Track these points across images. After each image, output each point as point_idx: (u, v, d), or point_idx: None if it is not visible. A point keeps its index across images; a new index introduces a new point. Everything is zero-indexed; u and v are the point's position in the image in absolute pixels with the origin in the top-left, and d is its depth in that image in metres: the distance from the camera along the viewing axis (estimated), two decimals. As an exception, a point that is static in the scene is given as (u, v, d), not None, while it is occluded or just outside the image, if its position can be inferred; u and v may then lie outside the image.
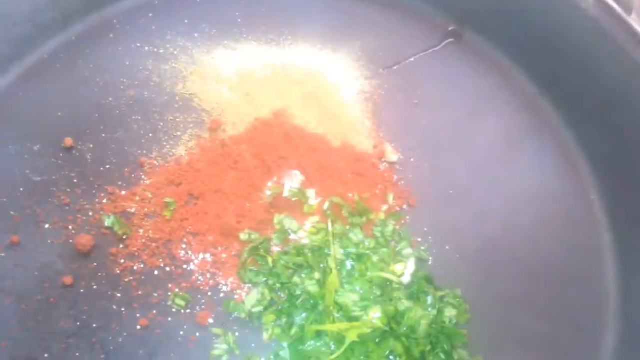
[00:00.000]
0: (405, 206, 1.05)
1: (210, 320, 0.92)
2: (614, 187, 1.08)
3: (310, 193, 1.00)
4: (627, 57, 1.06)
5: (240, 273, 0.94)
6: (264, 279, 0.92)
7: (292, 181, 1.01)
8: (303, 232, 0.97)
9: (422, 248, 1.00)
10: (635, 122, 1.05)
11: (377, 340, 0.83)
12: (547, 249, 1.04)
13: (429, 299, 0.88)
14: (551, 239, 1.05)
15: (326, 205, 1.00)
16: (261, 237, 0.97)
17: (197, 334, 0.91)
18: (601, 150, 1.11)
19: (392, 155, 1.09)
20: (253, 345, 0.91)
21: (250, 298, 0.90)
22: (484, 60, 1.25)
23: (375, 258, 0.91)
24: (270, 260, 0.94)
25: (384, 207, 1.02)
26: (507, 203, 1.07)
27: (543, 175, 1.11)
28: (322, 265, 0.90)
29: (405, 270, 0.92)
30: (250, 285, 0.94)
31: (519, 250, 1.03)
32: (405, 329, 0.83)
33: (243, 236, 0.97)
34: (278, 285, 0.91)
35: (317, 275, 0.88)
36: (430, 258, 1.00)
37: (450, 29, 1.28)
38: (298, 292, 0.88)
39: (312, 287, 0.87)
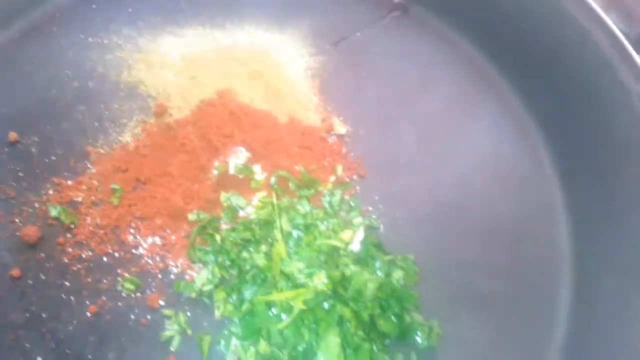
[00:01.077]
0: (355, 177, 1.05)
1: (161, 302, 0.92)
2: (563, 147, 1.09)
3: (256, 168, 1.00)
4: (567, 17, 1.06)
5: (189, 253, 0.93)
6: (213, 258, 0.91)
7: (238, 158, 1.01)
8: (251, 208, 0.96)
9: (373, 217, 1.00)
10: (578, 83, 1.05)
11: (325, 307, 0.82)
12: (500, 212, 1.04)
13: (377, 263, 0.88)
14: (504, 201, 1.05)
15: (273, 179, 0.99)
16: (209, 216, 0.96)
17: (148, 317, 0.90)
18: (549, 113, 1.12)
19: (341, 128, 1.09)
20: (205, 324, 0.90)
21: (201, 277, 0.90)
22: (430, 31, 1.25)
23: (322, 227, 0.91)
24: (218, 237, 0.93)
25: (332, 179, 1.02)
26: (458, 169, 1.07)
27: (493, 141, 1.12)
28: (269, 239, 0.89)
29: (353, 238, 0.92)
30: (200, 264, 0.93)
31: (471, 214, 1.03)
32: (352, 293, 0.83)
33: (191, 217, 0.96)
34: (228, 262, 0.91)
35: (264, 248, 0.87)
36: (381, 226, 1.00)
37: (395, 1, 1.28)
38: (247, 267, 0.87)
39: (260, 260, 0.87)
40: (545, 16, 1.09)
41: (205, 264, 0.92)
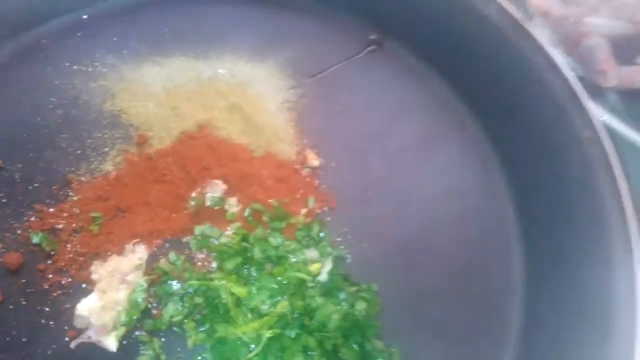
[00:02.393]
0: (325, 208, 1.10)
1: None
2: (522, 185, 1.15)
3: (232, 201, 1.05)
4: (526, 60, 1.14)
5: (157, 289, 0.98)
6: (180, 291, 0.96)
7: (214, 190, 1.06)
8: (225, 239, 1.02)
9: (341, 247, 1.06)
10: (537, 125, 1.12)
11: (292, 337, 0.88)
12: (460, 244, 1.10)
13: (342, 295, 0.94)
14: (464, 234, 1.11)
15: (247, 212, 1.05)
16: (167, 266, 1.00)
17: (124, 342, 0.95)
18: (511, 152, 1.18)
19: (314, 161, 1.14)
20: (179, 349, 0.95)
21: (168, 310, 0.94)
22: (403, 66, 1.32)
23: (293, 259, 0.97)
24: (187, 272, 0.98)
25: (304, 211, 1.07)
26: (423, 202, 1.13)
27: (457, 176, 1.18)
28: (239, 270, 0.95)
29: (321, 269, 0.98)
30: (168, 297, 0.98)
31: (433, 245, 1.10)
32: (317, 324, 0.88)
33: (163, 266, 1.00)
34: (195, 294, 0.95)
35: (231, 281, 0.92)
36: (349, 256, 1.06)
37: (371, 37, 1.35)
38: (215, 299, 0.92)
39: (225, 295, 0.91)
40: (509, 61, 1.17)
41: (172, 296, 0.97)
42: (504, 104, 1.20)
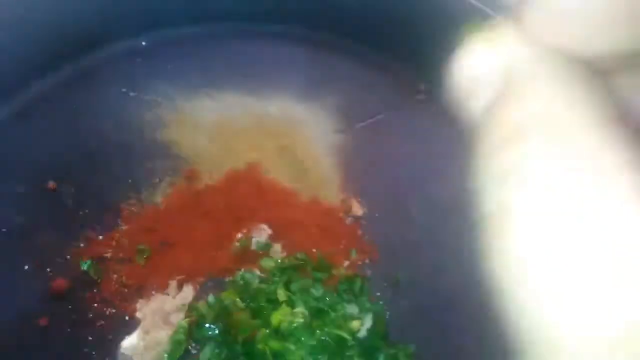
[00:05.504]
0: (367, 260, 1.11)
1: (176, 366, 0.98)
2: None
3: (277, 247, 1.07)
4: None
5: (194, 332, 0.99)
6: (219, 336, 0.97)
7: (260, 235, 1.07)
8: (265, 285, 1.03)
9: (381, 302, 1.06)
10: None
11: (328, 396, 0.89)
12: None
13: (381, 357, 0.95)
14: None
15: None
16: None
17: (162, 382, 0.97)
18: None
19: (358, 210, 1.15)
20: (215, 392, 0.96)
21: (205, 353, 0.96)
22: (450, 116, 1.32)
23: (333, 314, 0.97)
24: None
25: (346, 263, 1.08)
26: (461, 260, 1.13)
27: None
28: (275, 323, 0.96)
29: (362, 327, 0.98)
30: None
31: (473, 305, 1.10)
32: (355, 386, 0.89)
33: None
34: (233, 340, 0.96)
35: (269, 331, 0.93)
36: (387, 312, 1.06)
37: (420, 87, 1.36)
38: (253, 347, 0.93)
39: (262, 345, 0.92)
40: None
41: (209, 340, 0.97)
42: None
